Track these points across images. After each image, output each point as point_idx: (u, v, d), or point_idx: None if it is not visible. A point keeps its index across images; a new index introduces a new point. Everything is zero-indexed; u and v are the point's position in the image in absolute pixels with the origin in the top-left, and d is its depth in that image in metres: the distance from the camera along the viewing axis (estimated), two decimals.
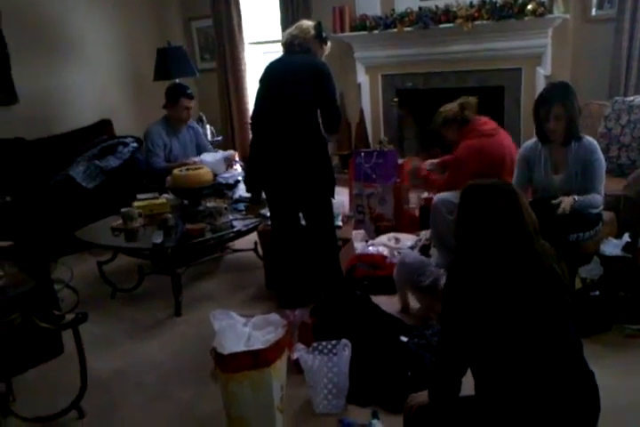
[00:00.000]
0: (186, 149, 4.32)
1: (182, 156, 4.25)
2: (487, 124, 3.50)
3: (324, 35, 3.12)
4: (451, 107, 3.51)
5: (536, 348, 1.63)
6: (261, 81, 3.08)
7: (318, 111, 2.98)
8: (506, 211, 1.68)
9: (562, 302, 1.66)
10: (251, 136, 3.18)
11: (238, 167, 4.46)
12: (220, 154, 4.23)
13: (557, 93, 2.86)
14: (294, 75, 2.94)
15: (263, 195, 3.18)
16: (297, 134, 2.92)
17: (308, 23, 3.11)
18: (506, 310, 1.63)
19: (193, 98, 4.30)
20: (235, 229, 3.48)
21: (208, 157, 4.12)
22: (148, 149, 4.16)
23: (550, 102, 2.83)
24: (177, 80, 5.09)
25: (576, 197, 2.80)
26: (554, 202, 2.78)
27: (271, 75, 3.05)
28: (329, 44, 3.18)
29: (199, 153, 4.30)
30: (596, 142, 2.94)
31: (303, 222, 3.19)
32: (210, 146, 4.57)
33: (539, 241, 1.70)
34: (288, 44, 3.10)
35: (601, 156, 2.90)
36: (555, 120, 2.83)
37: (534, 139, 3.05)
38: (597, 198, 2.88)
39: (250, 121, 3.17)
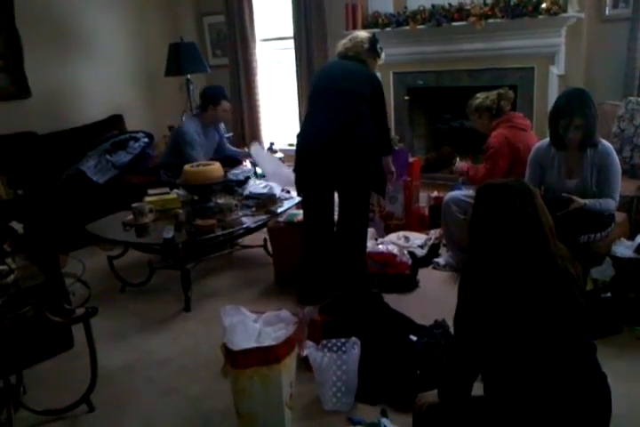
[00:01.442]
0: (210, 148, 4.34)
1: (206, 155, 4.23)
2: (522, 119, 3.51)
3: (378, 47, 3.17)
4: (488, 94, 3.50)
5: (549, 350, 1.63)
6: (314, 82, 3.18)
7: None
8: (522, 211, 1.66)
9: (576, 304, 1.65)
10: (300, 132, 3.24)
11: (248, 164, 4.47)
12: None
13: (577, 104, 2.82)
14: (351, 77, 3.02)
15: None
16: (351, 128, 2.97)
17: (362, 36, 3.17)
18: (519, 312, 1.63)
19: (230, 101, 4.40)
20: (244, 226, 3.48)
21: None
22: (189, 143, 4.06)
23: (571, 114, 2.79)
24: (189, 76, 5.10)
25: (587, 202, 2.78)
26: (564, 195, 2.78)
27: (328, 75, 3.14)
28: (383, 55, 3.24)
29: (217, 152, 4.36)
30: (612, 147, 2.92)
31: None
32: (227, 145, 4.61)
33: (554, 242, 1.69)
34: (342, 55, 3.18)
35: (616, 161, 2.88)
36: (575, 130, 2.80)
37: (546, 142, 3.02)
38: (610, 203, 2.86)
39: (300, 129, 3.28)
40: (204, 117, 4.25)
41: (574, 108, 2.79)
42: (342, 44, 3.20)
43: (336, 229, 3.25)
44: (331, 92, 3.03)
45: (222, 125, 5.31)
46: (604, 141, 2.93)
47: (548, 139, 3.03)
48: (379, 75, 5.12)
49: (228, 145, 4.60)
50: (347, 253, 3.19)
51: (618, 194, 2.89)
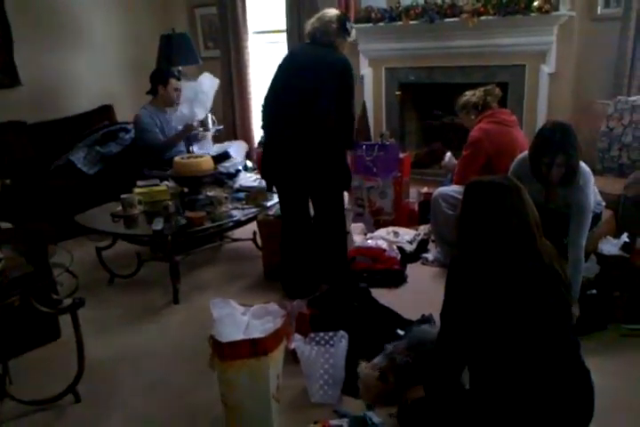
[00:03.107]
0: (172, 132, 4.29)
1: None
2: (507, 115, 3.51)
3: (347, 26, 3.03)
4: (474, 92, 3.52)
5: (534, 345, 1.65)
6: (280, 68, 3.05)
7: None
8: (510, 207, 1.68)
9: (561, 301, 1.68)
10: (261, 120, 3.16)
11: (238, 157, 4.46)
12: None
13: (560, 141, 2.62)
14: (317, 68, 2.92)
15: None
16: (314, 126, 2.91)
17: (330, 14, 3.02)
18: (505, 308, 1.64)
19: (180, 79, 4.35)
20: (234, 219, 3.48)
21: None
22: (143, 128, 4.13)
23: (555, 152, 2.61)
24: (180, 68, 5.07)
25: (575, 308, 2.49)
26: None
27: (292, 64, 3.03)
28: (353, 33, 3.11)
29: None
30: (590, 176, 2.75)
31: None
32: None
33: (541, 239, 1.71)
34: (311, 36, 3.05)
35: (589, 202, 2.70)
36: (557, 167, 2.63)
37: (526, 156, 2.84)
38: (581, 263, 2.69)
39: (261, 106, 3.14)
40: (157, 101, 4.26)
41: (558, 146, 2.61)
42: (310, 23, 3.06)
43: (314, 225, 3.22)
44: (294, 90, 2.94)
45: (211, 116, 5.30)
46: (585, 174, 2.73)
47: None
48: (369, 70, 5.19)
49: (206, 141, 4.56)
50: (327, 250, 3.18)
51: (585, 239, 2.69)
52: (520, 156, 2.93)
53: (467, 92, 3.56)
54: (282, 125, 3.00)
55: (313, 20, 3.08)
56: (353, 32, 3.11)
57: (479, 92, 3.51)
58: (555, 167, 2.63)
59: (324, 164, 2.99)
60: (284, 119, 2.99)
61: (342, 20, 3.02)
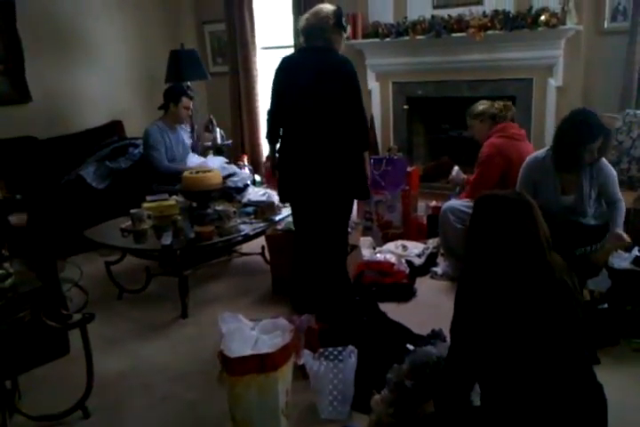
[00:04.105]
0: (184, 146, 4.41)
1: (179, 155, 4.31)
2: (517, 129, 3.53)
3: (344, 21, 2.94)
4: (494, 103, 3.54)
5: (546, 360, 1.63)
6: (281, 76, 2.96)
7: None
8: (520, 223, 1.67)
9: (572, 315, 1.66)
10: (267, 131, 3.12)
11: (247, 170, 4.48)
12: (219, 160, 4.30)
13: (598, 125, 2.82)
14: (320, 72, 2.85)
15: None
16: (327, 132, 2.87)
17: (326, 10, 2.91)
18: (516, 323, 1.63)
19: (192, 98, 4.40)
20: (242, 233, 3.48)
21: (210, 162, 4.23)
22: (150, 145, 4.18)
23: (597, 136, 2.79)
24: (189, 83, 5.12)
25: (619, 231, 2.87)
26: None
27: (294, 70, 2.93)
28: (348, 29, 3.04)
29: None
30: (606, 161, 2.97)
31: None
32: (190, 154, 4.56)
33: (551, 254, 1.70)
34: (306, 34, 2.95)
35: (613, 172, 2.95)
36: (597, 150, 2.83)
37: (540, 156, 3.00)
38: (622, 207, 2.96)
39: (267, 118, 3.10)
40: (168, 117, 4.31)
41: (598, 130, 2.78)
42: (305, 18, 2.94)
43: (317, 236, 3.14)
44: (301, 98, 2.88)
45: (220, 131, 5.34)
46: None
47: (541, 153, 3.02)
48: (377, 85, 5.20)
49: (191, 154, 4.50)
50: (326, 264, 3.11)
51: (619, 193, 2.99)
52: (530, 159, 3.06)
53: (484, 101, 3.58)
54: (296, 134, 2.95)
55: (308, 15, 2.96)
56: (348, 28, 3.02)
57: (498, 104, 3.53)
58: (595, 151, 2.79)
59: (341, 170, 2.92)
60: (297, 127, 2.94)
61: (339, 15, 2.91)
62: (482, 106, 3.54)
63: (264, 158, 5.78)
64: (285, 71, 2.96)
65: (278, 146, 3.11)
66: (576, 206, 2.90)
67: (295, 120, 2.95)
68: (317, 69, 2.86)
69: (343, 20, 2.95)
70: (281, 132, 3.07)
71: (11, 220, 2.97)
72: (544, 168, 2.96)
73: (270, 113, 3.07)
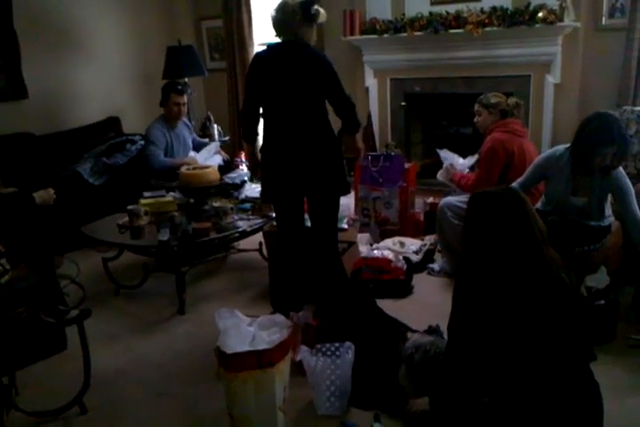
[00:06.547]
0: (185, 144, 4.48)
1: (181, 151, 4.40)
2: (518, 125, 3.53)
3: (312, 11, 2.78)
4: (506, 98, 3.57)
5: (542, 357, 1.64)
6: (256, 72, 2.87)
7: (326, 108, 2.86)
8: (514, 219, 1.68)
9: (570, 312, 1.66)
10: (245, 130, 3.09)
11: (244, 167, 4.47)
12: (209, 150, 4.45)
13: (619, 133, 2.77)
14: (295, 64, 2.78)
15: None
16: (308, 132, 2.83)
17: (292, 3, 2.77)
18: (514, 319, 1.64)
19: (183, 94, 4.40)
20: (240, 229, 3.48)
21: (200, 157, 4.35)
22: (152, 143, 4.26)
23: (613, 142, 2.73)
24: (186, 79, 5.11)
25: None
26: None
27: (269, 65, 2.85)
28: (321, 14, 2.83)
29: (195, 148, 4.56)
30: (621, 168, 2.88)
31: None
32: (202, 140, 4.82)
33: (548, 250, 1.70)
34: (275, 29, 2.87)
35: (628, 185, 2.84)
36: (612, 157, 2.76)
37: (559, 151, 2.96)
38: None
39: (243, 115, 3.07)
40: (165, 115, 4.36)
41: (616, 137, 2.73)
42: (272, 14, 2.84)
43: (310, 235, 3.08)
44: (280, 93, 2.82)
45: (217, 127, 5.35)
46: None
47: (561, 149, 2.97)
48: (374, 81, 5.20)
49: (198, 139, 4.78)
50: (323, 259, 3.05)
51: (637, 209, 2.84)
52: (549, 152, 3.04)
53: (498, 94, 3.59)
54: (278, 130, 2.89)
55: (274, 10, 2.83)
56: (321, 13, 2.84)
57: (511, 100, 3.56)
58: (609, 157, 2.74)
59: (322, 165, 2.86)
60: (279, 124, 2.88)
61: (306, 7, 2.76)
62: (496, 98, 3.54)
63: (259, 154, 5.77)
64: (259, 70, 2.88)
65: (260, 145, 3.04)
66: (583, 209, 2.88)
67: (276, 117, 2.90)
68: (291, 64, 2.80)
69: (312, 8, 2.79)
70: (260, 132, 3.03)
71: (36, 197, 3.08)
72: (559, 166, 2.92)
73: (246, 112, 3.01)
